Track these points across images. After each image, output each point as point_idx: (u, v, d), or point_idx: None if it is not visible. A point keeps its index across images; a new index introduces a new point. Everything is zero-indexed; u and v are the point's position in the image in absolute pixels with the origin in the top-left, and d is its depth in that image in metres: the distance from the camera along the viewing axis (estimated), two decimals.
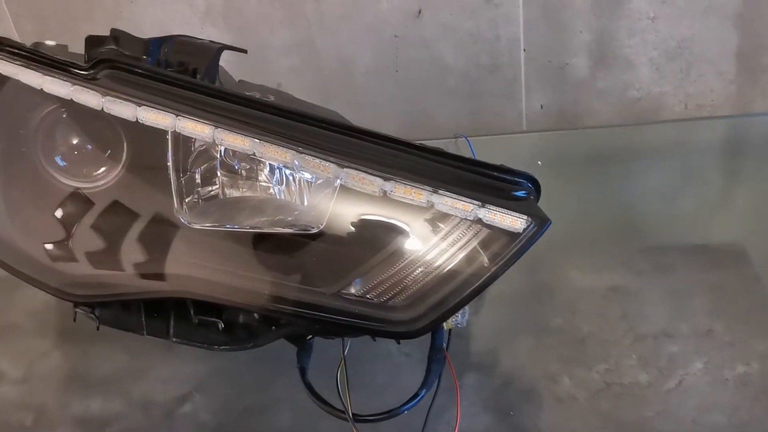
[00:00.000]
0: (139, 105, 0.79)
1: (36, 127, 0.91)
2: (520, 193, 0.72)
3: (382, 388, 0.99)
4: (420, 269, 0.71)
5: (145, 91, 0.80)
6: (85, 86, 0.81)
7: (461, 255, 0.70)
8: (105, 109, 0.80)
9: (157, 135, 0.83)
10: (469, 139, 1.26)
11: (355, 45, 1.31)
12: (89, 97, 0.81)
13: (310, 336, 0.81)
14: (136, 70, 0.83)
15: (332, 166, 0.72)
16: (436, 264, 0.71)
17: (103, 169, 0.91)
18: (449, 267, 0.70)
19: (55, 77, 0.83)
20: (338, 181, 0.73)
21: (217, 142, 0.77)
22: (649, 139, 1.36)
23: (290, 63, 1.33)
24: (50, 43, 1.00)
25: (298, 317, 0.73)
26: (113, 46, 0.92)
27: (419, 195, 0.71)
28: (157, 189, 0.86)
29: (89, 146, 0.92)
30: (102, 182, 0.91)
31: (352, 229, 0.74)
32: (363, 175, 0.71)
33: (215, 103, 0.78)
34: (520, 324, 1.11)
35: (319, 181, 0.81)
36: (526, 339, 1.09)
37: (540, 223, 0.69)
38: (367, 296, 0.72)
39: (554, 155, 1.36)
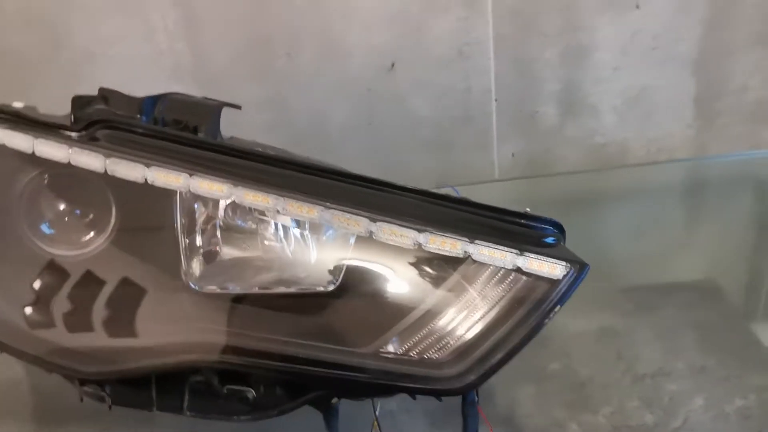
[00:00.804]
0: (148, 165, 0.75)
1: (19, 195, 0.85)
2: (550, 240, 0.72)
3: None
4: (460, 322, 0.70)
5: (150, 151, 0.76)
6: (84, 148, 0.77)
7: (502, 305, 0.69)
8: (109, 172, 0.76)
9: (154, 196, 0.79)
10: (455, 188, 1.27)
11: (328, 99, 1.31)
12: (90, 160, 0.76)
13: (336, 399, 0.77)
14: (137, 129, 0.80)
15: (364, 220, 0.70)
16: (477, 316, 0.69)
17: (91, 234, 0.86)
18: (491, 318, 0.69)
19: (48, 140, 0.78)
20: (354, 237, 0.71)
21: (237, 200, 0.74)
22: (616, 183, 1.41)
23: (263, 119, 1.31)
24: (18, 104, 0.95)
25: (337, 380, 0.70)
26: (103, 106, 0.89)
27: (455, 246, 0.69)
28: (156, 252, 0.82)
29: (77, 212, 0.87)
30: (90, 248, 0.86)
31: (383, 284, 0.72)
32: (395, 228, 0.70)
33: (230, 161, 0.76)
34: (518, 371, 1.11)
35: (328, 235, 0.79)
36: (527, 386, 1.08)
37: (579, 268, 0.69)
38: (409, 354, 0.70)
39: (526, 201, 1.39)
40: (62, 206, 0.87)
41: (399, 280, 0.72)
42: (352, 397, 0.76)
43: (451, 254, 0.70)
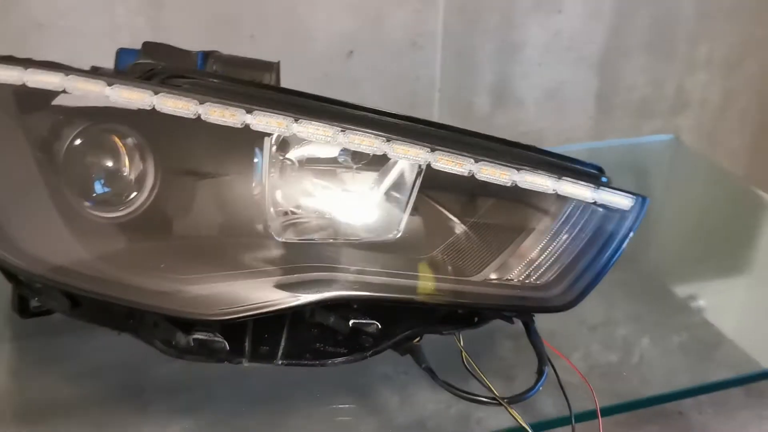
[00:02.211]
0: (249, 111, 0.75)
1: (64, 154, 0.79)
2: (604, 179, 0.84)
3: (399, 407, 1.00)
4: (553, 250, 0.79)
5: (237, 99, 0.76)
6: (172, 93, 0.74)
7: (586, 234, 0.79)
8: (203, 117, 0.74)
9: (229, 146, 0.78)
10: None
11: (285, 82, 1.32)
12: (180, 103, 0.74)
13: (419, 338, 0.81)
14: (212, 81, 0.79)
15: (468, 160, 0.77)
16: (567, 244, 0.79)
17: (134, 194, 0.82)
18: (580, 245, 0.79)
19: (129, 86, 0.75)
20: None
21: (344, 144, 0.76)
22: None
23: None
24: None
25: (458, 306, 0.74)
26: (149, 60, 0.85)
27: (545, 182, 0.79)
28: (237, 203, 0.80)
29: (124, 171, 0.82)
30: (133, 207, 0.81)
31: (487, 218, 0.79)
32: (496, 168, 0.78)
33: (322, 107, 0.79)
34: (491, 331, 1.21)
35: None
36: (506, 342, 1.19)
37: (642, 200, 0.81)
38: (514, 279, 0.77)
39: None
40: (109, 164, 0.83)
41: (500, 215, 0.79)
42: (445, 330, 0.81)
43: (540, 189, 0.79)
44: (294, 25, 1.30)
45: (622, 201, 0.80)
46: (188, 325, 0.73)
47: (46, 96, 0.77)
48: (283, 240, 0.78)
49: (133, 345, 0.90)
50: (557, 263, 0.78)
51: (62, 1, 1.17)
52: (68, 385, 0.88)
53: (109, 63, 1.28)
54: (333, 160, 0.91)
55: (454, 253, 0.79)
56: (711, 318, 1.24)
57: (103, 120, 0.79)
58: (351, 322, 0.75)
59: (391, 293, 0.73)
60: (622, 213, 0.80)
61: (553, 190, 0.79)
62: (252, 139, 0.78)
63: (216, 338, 0.72)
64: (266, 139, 0.78)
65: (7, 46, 1.17)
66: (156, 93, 0.74)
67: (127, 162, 0.80)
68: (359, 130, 0.76)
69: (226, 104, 0.75)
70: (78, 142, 0.78)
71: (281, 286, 0.72)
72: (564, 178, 0.79)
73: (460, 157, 0.77)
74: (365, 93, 1.38)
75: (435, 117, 1.45)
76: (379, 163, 0.86)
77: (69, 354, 0.92)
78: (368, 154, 0.90)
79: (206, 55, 0.86)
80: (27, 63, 0.78)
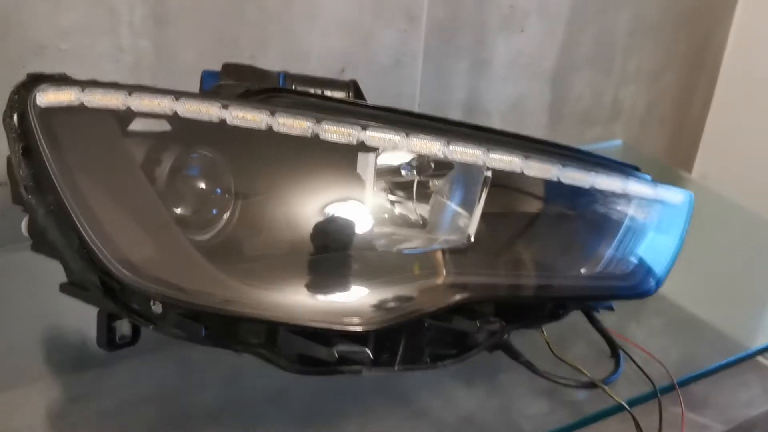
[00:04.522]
0: (365, 128, 0.78)
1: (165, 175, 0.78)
2: (648, 177, 0.95)
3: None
4: (628, 242, 0.88)
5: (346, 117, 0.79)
6: (287, 113, 0.76)
7: (654, 226, 0.89)
8: (321, 137, 0.76)
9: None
10: None
11: None
12: (296, 123, 0.76)
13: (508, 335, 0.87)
14: (310, 99, 0.81)
15: (554, 167, 0.85)
16: (639, 236, 0.89)
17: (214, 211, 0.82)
18: (650, 236, 0.89)
19: (245, 107, 0.75)
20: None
21: (448, 156, 0.81)
22: None
23: None
24: None
25: (565, 300, 0.81)
26: (230, 80, 0.86)
27: (616, 184, 0.88)
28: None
29: (217, 190, 0.82)
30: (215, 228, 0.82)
31: (578, 217, 0.87)
32: (577, 173, 0.86)
33: (415, 122, 0.83)
34: None
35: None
36: None
37: (690, 195, 0.93)
38: (601, 271, 0.86)
39: None
40: (202, 185, 0.82)
41: (584, 216, 0.88)
42: (535, 324, 0.88)
43: (614, 189, 0.88)
44: (291, 45, 1.32)
45: (675, 196, 0.92)
46: (326, 338, 0.75)
47: (150, 120, 0.76)
48: (396, 251, 0.82)
49: (160, 374, 0.91)
50: (634, 254, 0.88)
51: (64, 23, 1.12)
52: (110, 422, 0.85)
53: None
54: (396, 172, 0.96)
55: (547, 252, 0.86)
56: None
57: (208, 142, 0.79)
58: (478, 321, 0.79)
59: (518, 292, 0.79)
60: (676, 206, 0.92)
61: (623, 190, 0.88)
62: (354, 154, 0.81)
63: (360, 349, 0.74)
64: (372, 154, 0.81)
65: (5, 70, 1.11)
66: (272, 114, 0.76)
67: (233, 181, 0.80)
68: (462, 142, 0.81)
69: (341, 122, 0.77)
70: (185, 166, 0.78)
71: (422, 291, 0.76)
72: (631, 178, 0.89)
73: (548, 163, 0.84)
74: None
75: None
76: (442, 170, 0.92)
77: (99, 390, 0.89)
78: (430, 165, 0.96)
79: (286, 75, 0.88)
80: (90, 84, 0.77)
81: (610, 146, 1.69)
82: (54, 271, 0.83)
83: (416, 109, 1.50)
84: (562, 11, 1.60)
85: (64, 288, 0.83)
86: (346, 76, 1.39)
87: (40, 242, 0.82)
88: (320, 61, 1.35)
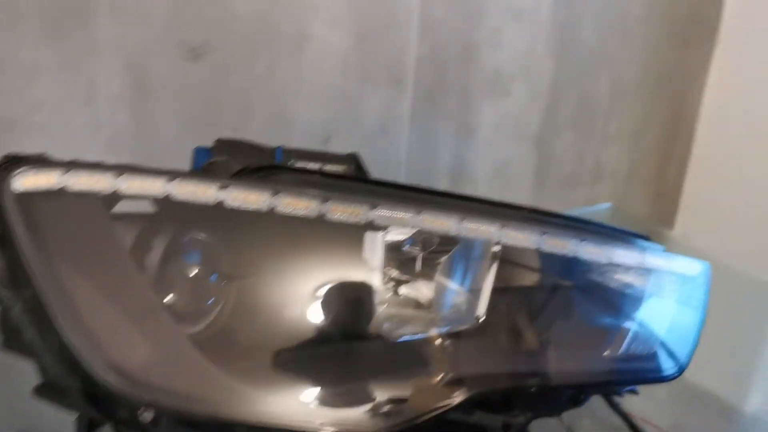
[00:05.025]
0: (373, 206, 0.72)
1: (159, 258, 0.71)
2: (662, 248, 0.91)
3: None
4: (651, 320, 0.83)
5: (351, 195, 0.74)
6: (292, 192, 0.70)
7: (675, 301, 0.85)
8: (327, 217, 0.70)
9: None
10: None
11: None
12: (300, 203, 0.70)
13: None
14: (314, 178, 0.76)
15: (572, 242, 0.80)
16: (660, 314, 0.84)
17: (211, 300, 0.76)
18: (672, 314, 0.84)
19: (244, 188, 0.69)
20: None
21: (460, 234, 0.76)
22: None
23: None
24: None
25: (587, 385, 0.75)
26: (225, 157, 0.80)
27: (634, 257, 0.83)
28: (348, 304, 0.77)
29: (212, 277, 0.76)
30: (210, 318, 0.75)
31: (596, 302, 0.82)
32: (596, 247, 0.81)
33: (424, 198, 0.78)
34: None
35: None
36: None
37: (706, 264, 0.88)
38: (624, 353, 0.80)
39: None
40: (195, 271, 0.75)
41: (592, 290, 0.83)
42: (555, 411, 0.81)
43: (631, 264, 0.83)
44: (275, 114, 1.27)
45: (692, 267, 0.87)
46: None
47: (138, 202, 0.69)
48: (398, 340, 0.75)
49: None
50: (656, 332, 0.83)
51: (37, 93, 1.05)
52: None
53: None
54: (398, 248, 0.90)
55: (561, 334, 0.80)
56: None
57: (200, 225, 0.73)
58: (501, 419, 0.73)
59: (531, 381, 0.73)
60: (694, 279, 0.87)
61: (640, 263, 0.84)
62: (359, 234, 0.76)
63: None
64: (379, 234, 0.76)
65: None
66: (275, 193, 0.70)
67: (229, 266, 0.74)
68: (476, 219, 0.76)
69: (348, 201, 0.72)
70: (177, 252, 0.71)
71: (430, 389, 0.69)
72: (648, 253, 0.84)
73: (565, 238, 0.80)
74: None
75: None
76: (447, 247, 0.87)
77: None
78: (436, 240, 0.91)
79: (284, 150, 0.82)
80: (72, 166, 0.70)
81: (600, 209, 1.66)
82: (27, 370, 0.75)
83: (402, 176, 1.46)
84: (546, 74, 1.58)
85: (39, 391, 0.74)
86: (333, 143, 1.34)
87: (13, 340, 0.73)
88: (305, 128, 1.31)
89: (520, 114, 1.58)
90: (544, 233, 0.78)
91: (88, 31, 1.05)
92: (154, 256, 0.70)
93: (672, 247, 0.89)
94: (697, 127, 2.00)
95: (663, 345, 0.83)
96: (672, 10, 1.72)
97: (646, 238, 0.92)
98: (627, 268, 0.83)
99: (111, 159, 1.14)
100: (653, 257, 0.84)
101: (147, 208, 0.72)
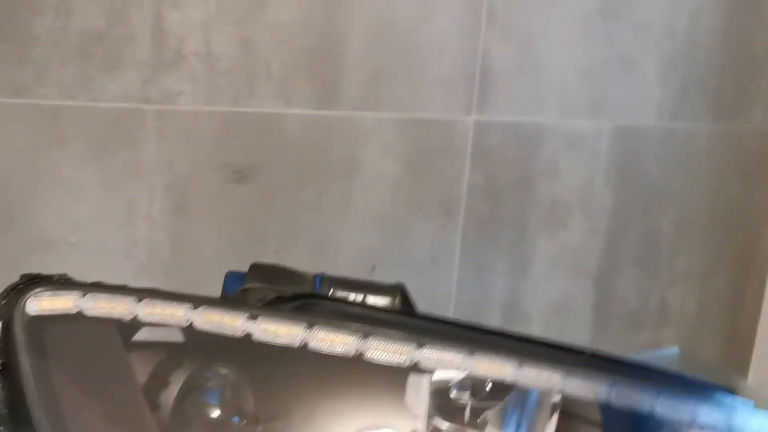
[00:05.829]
0: (421, 345, 0.64)
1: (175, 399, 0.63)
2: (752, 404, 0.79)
3: None
4: None
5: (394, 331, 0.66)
6: (329, 326, 0.62)
7: None
8: (365, 357, 0.62)
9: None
10: None
11: None
12: (339, 338, 0.62)
13: None
14: (355, 310, 0.69)
15: (647, 397, 0.69)
16: None
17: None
18: None
19: (276, 319, 0.62)
20: None
21: (520, 380, 0.66)
22: None
23: None
24: None
25: None
26: (260, 284, 0.73)
27: (718, 419, 0.72)
28: None
29: (235, 418, 0.67)
30: None
31: None
32: (676, 403, 0.70)
33: (472, 336, 0.70)
34: None
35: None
36: None
37: None
38: None
39: None
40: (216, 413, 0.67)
41: None
42: None
43: (716, 425, 0.72)
44: (321, 240, 1.22)
45: None
46: None
47: (160, 330, 0.63)
48: None
49: None
50: None
51: (81, 215, 1.02)
52: None
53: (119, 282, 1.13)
54: (444, 392, 0.81)
55: None
56: None
57: (224, 359, 0.65)
58: None
59: None
60: None
61: (728, 428, 0.72)
62: (403, 376, 0.67)
63: None
64: (425, 377, 0.67)
65: (4, 269, 1.00)
66: (309, 327, 0.62)
67: (252, 408, 0.66)
68: (537, 364, 0.67)
69: (392, 338, 0.64)
70: (197, 388, 0.63)
71: None
72: (737, 410, 0.73)
73: (639, 392, 0.69)
74: None
75: None
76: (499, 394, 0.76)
77: None
78: (486, 388, 0.81)
79: (324, 278, 0.76)
80: (93, 288, 0.65)
81: (667, 354, 1.53)
82: None
83: (451, 310, 1.37)
84: (605, 207, 1.51)
85: None
86: (378, 273, 1.28)
87: None
88: (351, 257, 1.25)
89: (579, 248, 1.49)
90: (614, 383, 0.68)
91: (133, 152, 1.04)
92: (171, 393, 0.62)
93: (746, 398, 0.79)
94: None
95: None
96: (741, 142, 1.65)
97: (732, 392, 0.80)
98: (712, 429, 0.72)
99: (146, 280, 1.10)
100: (743, 418, 0.73)
101: (172, 335, 0.65)
